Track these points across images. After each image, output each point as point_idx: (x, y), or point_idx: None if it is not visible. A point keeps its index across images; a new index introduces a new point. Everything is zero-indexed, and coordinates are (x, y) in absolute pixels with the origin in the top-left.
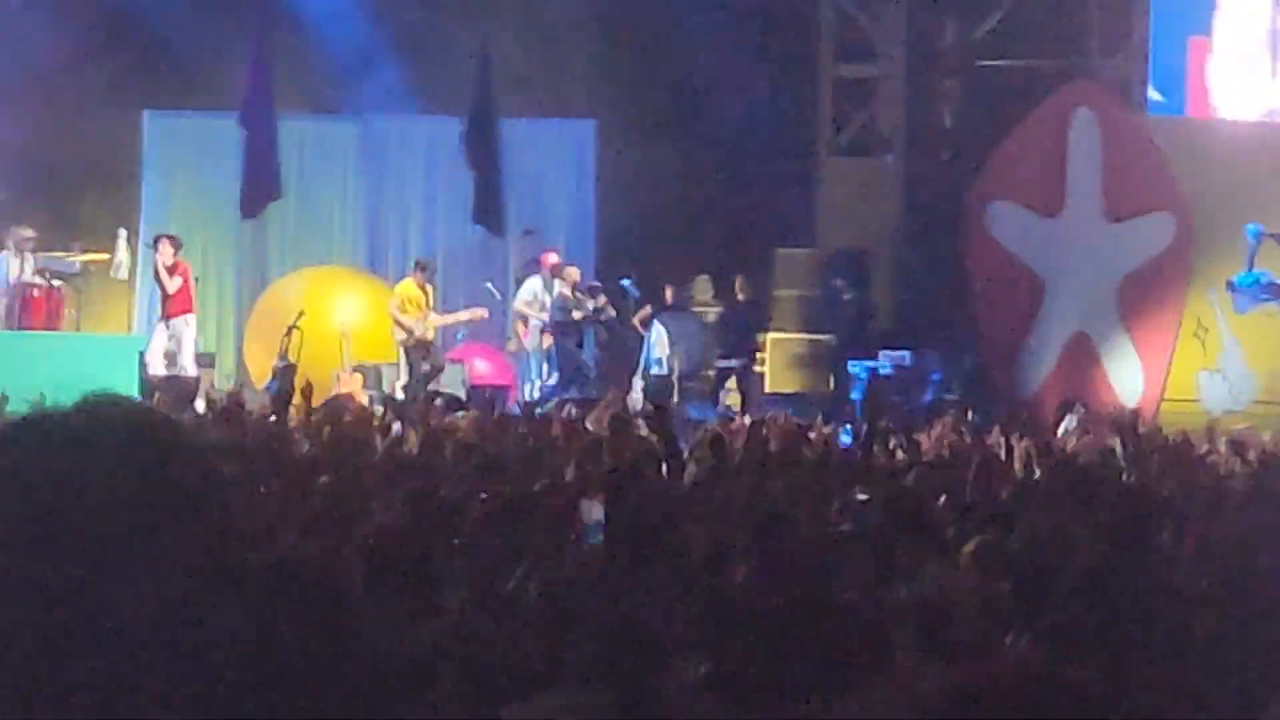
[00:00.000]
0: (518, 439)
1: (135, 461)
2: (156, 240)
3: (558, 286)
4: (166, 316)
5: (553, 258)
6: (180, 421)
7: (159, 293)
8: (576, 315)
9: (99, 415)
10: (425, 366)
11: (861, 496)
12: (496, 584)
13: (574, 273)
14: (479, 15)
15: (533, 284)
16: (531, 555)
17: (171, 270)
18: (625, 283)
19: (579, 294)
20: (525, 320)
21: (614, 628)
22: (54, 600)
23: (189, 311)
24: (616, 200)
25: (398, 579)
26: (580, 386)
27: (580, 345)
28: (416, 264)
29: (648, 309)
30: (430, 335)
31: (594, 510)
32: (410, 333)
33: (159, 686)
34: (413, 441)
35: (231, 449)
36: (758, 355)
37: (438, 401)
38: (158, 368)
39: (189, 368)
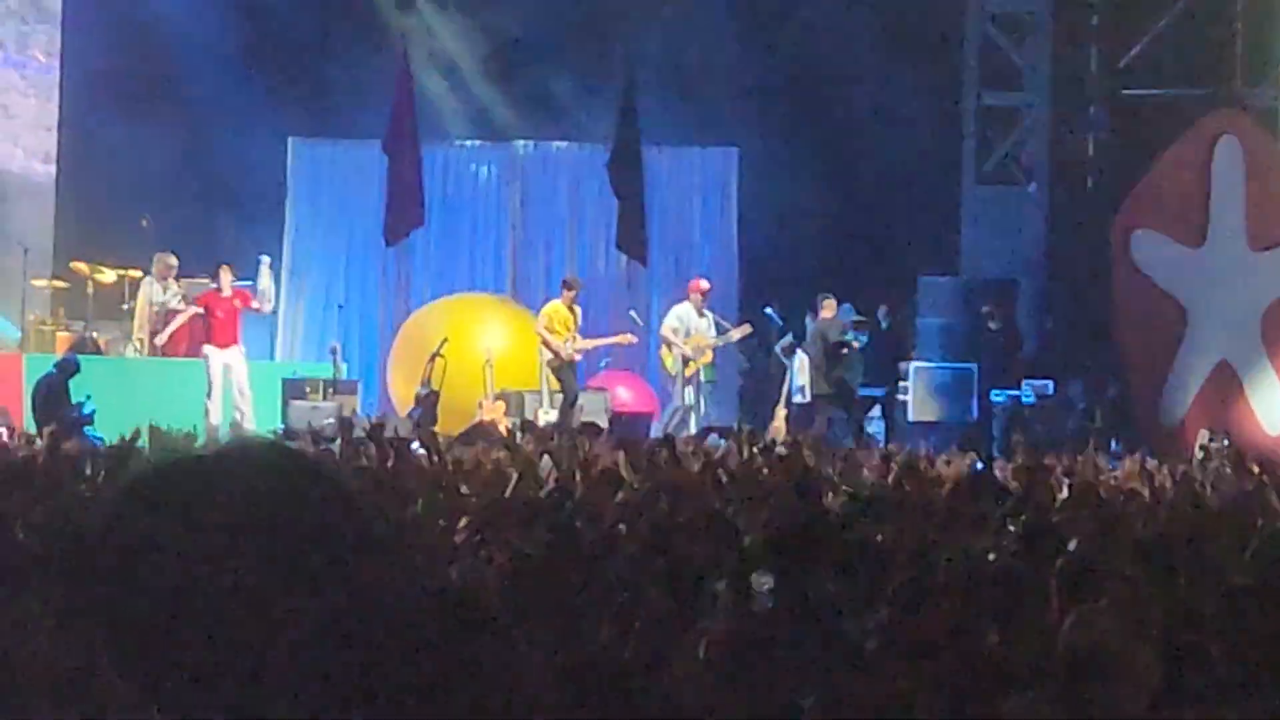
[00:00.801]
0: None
1: (283, 501)
2: (218, 268)
3: (822, 313)
4: (222, 345)
5: (703, 284)
6: (321, 457)
7: (211, 320)
8: (853, 341)
9: (245, 456)
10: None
11: (1011, 528)
12: (640, 617)
13: (832, 304)
14: (625, 42)
15: (680, 310)
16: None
17: (231, 298)
18: (768, 311)
19: (852, 321)
20: (670, 345)
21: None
22: (211, 637)
23: (236, 343)
24: (759, 227)
25: (539, 609)
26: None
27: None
28: (564, 283)
29: (789, 337)
30: (577, 357)
31: (764, 582)
32: (557, 354)
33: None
34: (554, 470)
35: (375, 477)
36: (900, 384)
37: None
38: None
39: (246, 395)
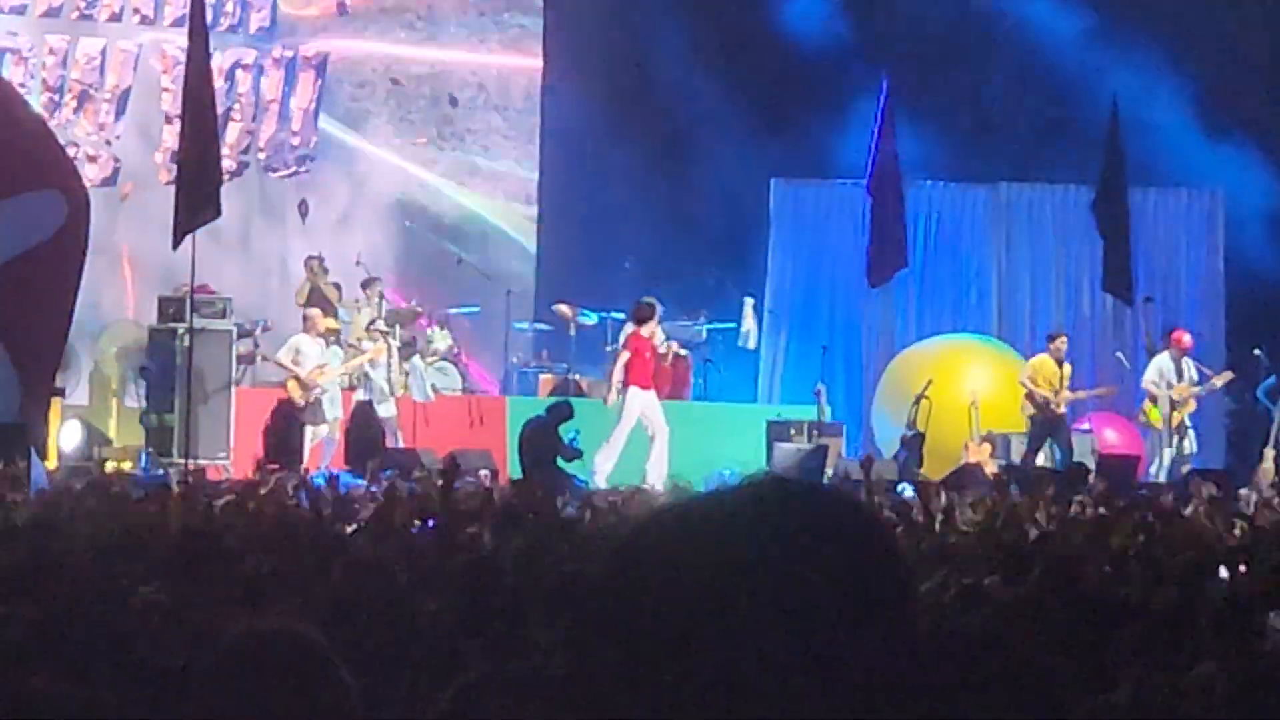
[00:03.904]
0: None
1: (825, 544)
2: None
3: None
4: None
5: (1185, 338)
6: (865, 503)
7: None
8: None
9: (787, 496)
10: (1046, 439)
11: None
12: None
13: None
14: (1106, 85)
15: (1160, 361)
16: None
17: (625, 345)
18: (1256, 352)
19: None
20: (1154, 398)
21: None
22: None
23: (639, 385)
24: (1246, 268)
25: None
26: None
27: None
28: (1049, 337)
29: (1274, 379)
30: (1060, 410)
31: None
32: (1042, 408)
33: None
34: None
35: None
36: None
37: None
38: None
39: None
